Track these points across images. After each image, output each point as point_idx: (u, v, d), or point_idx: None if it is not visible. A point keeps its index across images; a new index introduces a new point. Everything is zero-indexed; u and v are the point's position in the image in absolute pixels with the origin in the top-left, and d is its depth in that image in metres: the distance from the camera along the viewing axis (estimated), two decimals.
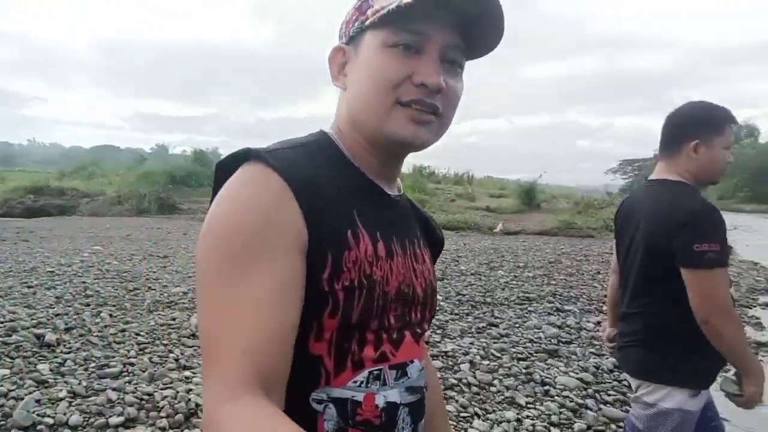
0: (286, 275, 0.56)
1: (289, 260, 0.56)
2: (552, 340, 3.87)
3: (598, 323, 4.13)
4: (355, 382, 0.62)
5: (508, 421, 2.56)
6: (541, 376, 3.13)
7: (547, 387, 3.00)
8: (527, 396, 2.87)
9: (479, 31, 0.66)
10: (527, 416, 2.64)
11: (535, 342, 3.80)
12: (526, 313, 4.63)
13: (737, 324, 1.48)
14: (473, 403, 2.73)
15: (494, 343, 3.72)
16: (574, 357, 3.56)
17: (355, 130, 0.69)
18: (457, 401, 2.72)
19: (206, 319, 0.55)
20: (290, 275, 0.56)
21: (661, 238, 1.48)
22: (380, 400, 0.64)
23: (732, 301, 1.48)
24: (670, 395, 1.47)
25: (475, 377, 3.03)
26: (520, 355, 3.49)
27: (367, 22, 0.65)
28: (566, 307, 4.93)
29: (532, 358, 3.47)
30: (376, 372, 0.64)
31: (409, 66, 0.64)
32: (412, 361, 0.68)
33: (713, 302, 1.41)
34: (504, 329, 4.08)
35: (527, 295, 5.34)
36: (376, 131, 0.66)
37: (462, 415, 2.59)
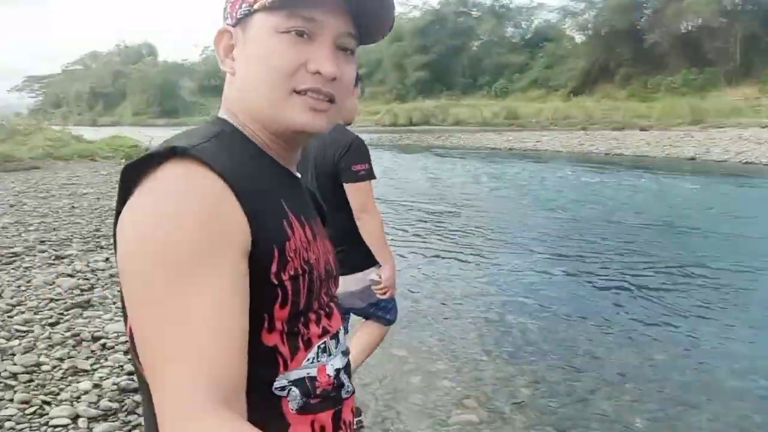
0: (236, 280, 0.55)
1: (237, 264, 0.55)
2: (75, 291, 3.55)
3: None
4: (308, 359, 0.66)
5: (87, 392, 2.32)
6: (89, 332, 2.90)
7: (102, 341, 2.82)
8: (87, 358, 2.64)
9: (372, 18, 0.68)
10: (101, 377, 2.47)
11: (59, 300, 3.39)
12: (25, 272, 3.98)
13: (379, 221, 2.13)
14: (32, 392, 2.31)
15: None
16: (108, 300, 3.43)
17: (252, 118, 0.68)
18: (12, 400, 2.23)
19: (155, 335, 0.52)
20: (239, 280, 0.55)
21: (329, 165, 2.02)
22: (330, 369, 0.69)
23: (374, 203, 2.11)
24: (372, 272, 2.14)
25: (15, 364, 2.52)
26: (50, 320, 3.07)
27: (257, 5, 0.64)
28: (67, 252, 4.51)
29: (67, 317, 3.13)
30: (322, 346, 0.68)
31: (303, 53, 0.64)
32: (339, 329, 0.74)
33: (365, 205, 2.04)
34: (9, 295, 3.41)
35: (11, 250, 4.52)
36: (273, 119, 0.67)
37: (28, 411, 2.17)
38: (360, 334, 2.32)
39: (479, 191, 10.50)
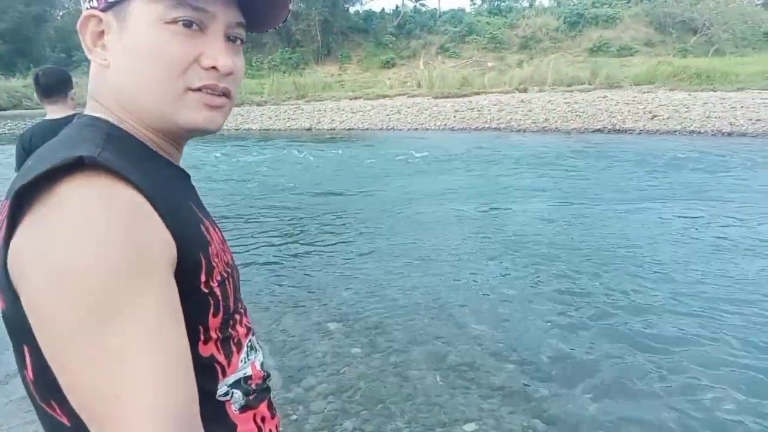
0: (171, 300, 0.52)
1: (168, 282, 0.52)
2: None
3: None
4: (242, 360, 0.67)
5: None
6: None
7: None
8: None
9: (264, 6, 0.65)
10: None
11: None
12: None
13: None
14: None
15: None
16: None
17: (138, 116, 0.62)
18: None
19: (96, 377, 0.47)
20: (173, 299, 0.52)
21: None
22: (258, 364, 0.71)
23: None
24: None
25: None
26: None
27: None
28: None
29: None
30: (249, 344, 0.70)
31: (195, 46, 0.60)
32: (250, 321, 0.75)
33: None
34: None
35: None
36: (165, 119, 0.61)
37: None
38: None
39: None
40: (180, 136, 0.66)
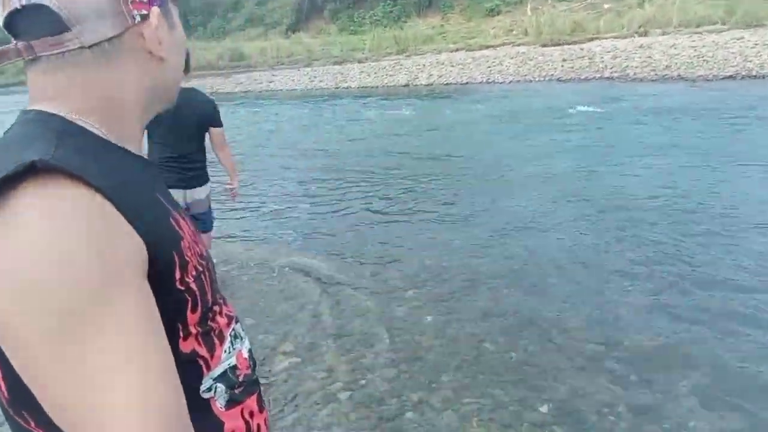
0: (147, 304, 0.51)
1: (142, 286, 0.51)
2: None
3: None
4: (226, 351, 0.66)
5: None
6: None
7: None
8: None
9: None
10: None
11: None
12: None
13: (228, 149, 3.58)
14: None
15: None
16: None
17: (150, 102, 0.67)
18: None
19: (81, 396, 0.45)
20: (149, 302, 0.51)
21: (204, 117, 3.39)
22: (245, 352, 0.70)
23: None
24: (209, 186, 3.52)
25: None
26: None
27: None
28: None
29: None
30: (233, 333, 0.69)
31: None
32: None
33: (224, 139, 3.52)
34: None
35: None
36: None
37: None
38: None
39: (240, 141, 10.33)
40: (151, 115, 0.70)
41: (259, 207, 5.85)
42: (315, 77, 20.03)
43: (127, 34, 0.61)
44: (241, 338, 0.71)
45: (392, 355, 2.98)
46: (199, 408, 0.60)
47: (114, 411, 0.45)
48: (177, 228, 0.59)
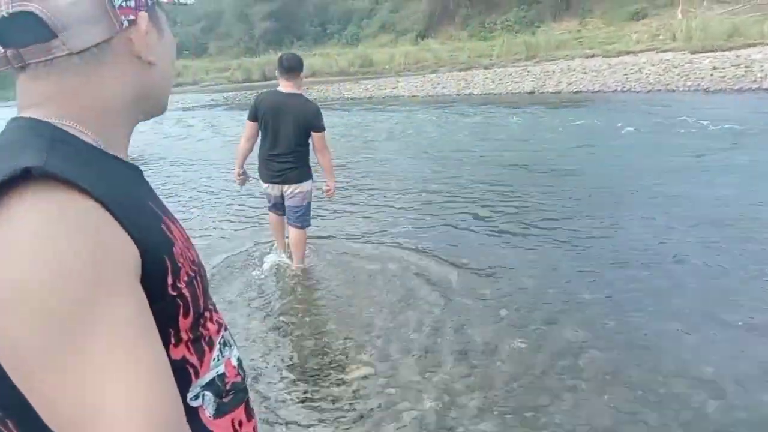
0: (141, 309, 0.51)
1: (135, 291, 0.51)
2: None
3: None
4: (215, 359, 0.66)
5: None
6: None
7: None
8: None
9: None
10: None
11: None
12: None
13: (329, 153, 3.88)
14: None
15: None
16: None
17: (138, 107, 0.68)
18: None
19: (75, 400, 0.46)
20: (143, 307, 0.51)
21: (308, 120, 3.69)
22: (234, 360, 0.70)
23: None
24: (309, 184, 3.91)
25: None
26: None
27: None
28: None
29: None
30: (222, 340, 0.69)
31: None
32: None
33: (326, 143, 3.82)
34: None
35: None
36: (163, 105, 0.72)
37: None
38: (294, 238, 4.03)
39: (359, 144, 10.65)
40: (138, 121, 0.70)
41: (359, 209, 5.90)
42: (438, 83, 20.03)
43: (115, 39, 0.61)
44: (230, 346, 0.70)
45: (470, 380, 2.80)
46: (187, 417, 0.57)
47: (107, 415, 0.45)
48: (168, 233, 0.59)
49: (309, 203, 3.96)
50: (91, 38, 0.59)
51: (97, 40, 0.59)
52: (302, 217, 3.91)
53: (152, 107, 0.71)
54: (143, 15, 0.63)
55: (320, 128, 3.69)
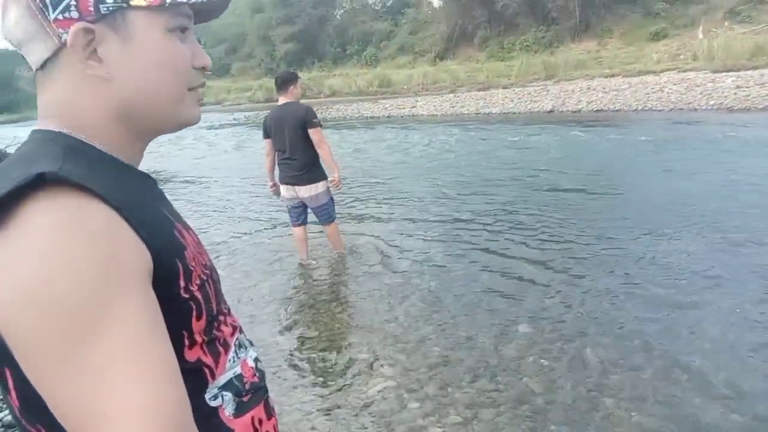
0: (152, 312, 0.51)
1: (147, 294, 0.52)
2: None
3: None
4: (230, 360, 0.67)
5: None
6: None
7: None
8: None
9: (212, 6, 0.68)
10: None
11: None
12: None
13: (329, 148, 4.20)
14: None
15: None
16: None
17: (126, 123, 0.62)
18: None
19: (86, 400, 0.46)
20: (154, 310, 0.52)
21: (300, 118, 4.06)
22: (250, 361, 0.71)
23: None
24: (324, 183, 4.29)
25: None
26: None
27: (133, 2, 0.59)
28: None
29: None
30: (237, 342, 0.70)
31: (189, 49, 0.65)
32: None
33: (323, 138, 4.13)
34: None
35: None
36: (167, 120, 0.65)
37: None
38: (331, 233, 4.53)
39: (381, 161, 10.70)
40: (163, 134, 0.68)
41: (397, 224, 5.91)
42: (457, 103, 20.08)
43: (62, 54, 0.59)
44: (246, 347, 0.71)
45: (495, 394, 2.75)
46: (207, 416, 0.61)
47: (115, 415, 0.46)
48: (180, 238, 0.60)
49: (331, 198, 4.37)
50: (40, 55, 0.59)
51: (45, 56, 0.59)
52: (328, 214, 4.35)
53: (146, 125, 0.64)
54: (75, 27, 0.57)
55: (313, 124, 4.05)
